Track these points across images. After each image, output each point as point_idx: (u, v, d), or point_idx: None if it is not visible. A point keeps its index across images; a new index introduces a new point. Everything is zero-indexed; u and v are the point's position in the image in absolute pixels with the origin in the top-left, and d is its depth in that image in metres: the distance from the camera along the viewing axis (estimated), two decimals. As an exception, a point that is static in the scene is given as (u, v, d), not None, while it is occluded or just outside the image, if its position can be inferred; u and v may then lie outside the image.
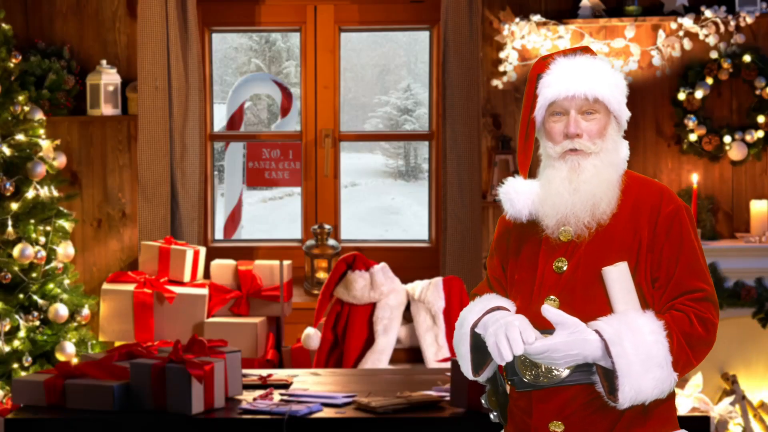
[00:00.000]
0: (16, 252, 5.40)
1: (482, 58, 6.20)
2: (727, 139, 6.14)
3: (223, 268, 5.75)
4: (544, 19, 6.15)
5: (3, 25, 5.61)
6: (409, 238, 11.37)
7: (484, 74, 6.23)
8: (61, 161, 5.76)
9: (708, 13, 6.05)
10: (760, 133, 6.15)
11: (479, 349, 2.78)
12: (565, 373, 2.67)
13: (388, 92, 12.77)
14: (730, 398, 5.80)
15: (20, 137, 5.55)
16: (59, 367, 4.07)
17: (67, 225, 5.69)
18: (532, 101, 2.81)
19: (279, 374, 4.50)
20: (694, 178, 6.01)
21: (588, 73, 2.77)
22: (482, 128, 6.23)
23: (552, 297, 2.73)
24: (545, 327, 2.67)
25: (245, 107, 8.75)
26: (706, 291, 2.72)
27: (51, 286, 5.56)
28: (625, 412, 2.66)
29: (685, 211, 2.77)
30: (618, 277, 2.68)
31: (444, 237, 6.11)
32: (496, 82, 6.21)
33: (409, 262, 6.32)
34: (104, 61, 6.24)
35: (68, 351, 5.47)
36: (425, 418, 3.86)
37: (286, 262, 5.74)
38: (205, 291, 5.70)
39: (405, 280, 5.37)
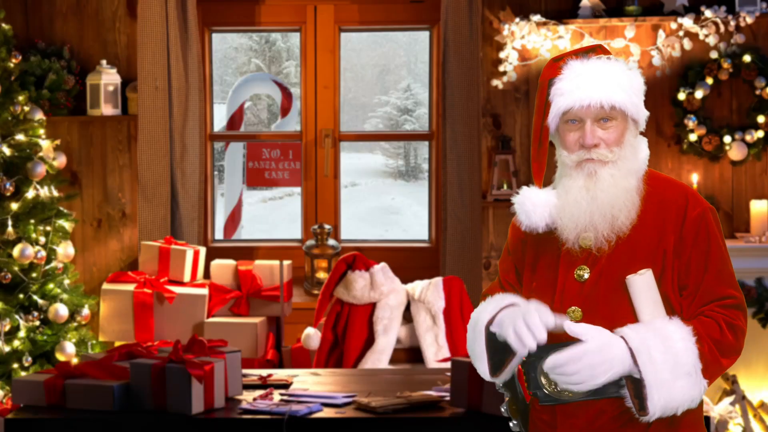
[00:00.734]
0: (16, 252, 5.40)
1: (482, 58, 6.20)
2: (727, 139, 6.14)
3: (223, 268, 5.75)
4: (544, 19, 6.15)
5: (3, 25, 5.61)
6: (409, 238, 11.37)
7: (484, 74, 6.23)
8: (61, 161, 5.76)
9: (708, 13, 6.05)
10: (760, 133, 6.15)
11: (496, 349, 2.68)
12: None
13: (388, 92, 12.77)
14: (730, 398, 5.80)
15: (20, 137, 5.55)
16: (59, 367, 4.06)
17: (67, 225, 5.69)
18: (544, 108, 2.71)
19: (279, 374, 4.50)
20: (694, 178, 6.01)
21: (603, 79, 2.67)
22: (482, 128, 6.23)
23: (574, 307, 2.64)
24: (567, 338, 2.56)
25: (245, 107, 8.75)
26: (736, 298, 2.65)
27: (51, 286, 5.56)
28: (652, 424, 2.57)
29: (711, 213, 2.68)
30: (643, 286, 2.59)
31: (444, 237, 6.11)
32: (496, 82, 6.21)
33: (409, 262, 6.32)
34: (104, 61, 6.24)
35: (68, 351, 5.47)
36: (425, 418, 3.86)
37: (286, 262, 5.74)
38: (205, 291, 5.70)
39: (405, 280, 5.37)
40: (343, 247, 6.36)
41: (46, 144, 5.62)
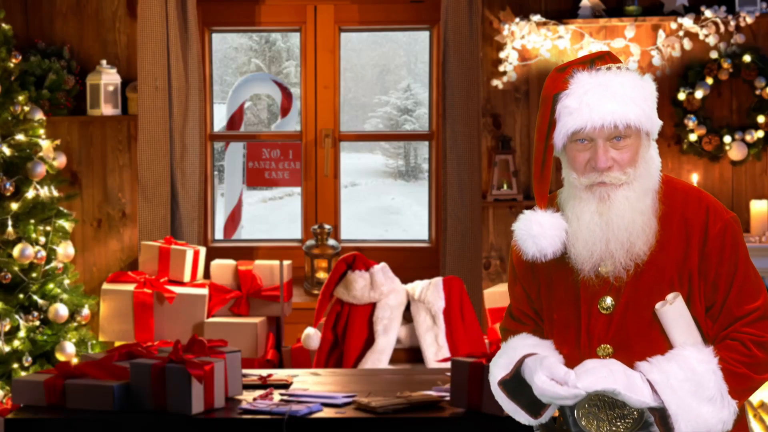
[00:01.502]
0: (16, 252, 5.40)
1: (482, 58, 6.20)
2: (727, 139, 6.14)
3: (223, 268, 5.75)
4: (544, 19, 6.15)
5: (3, 25, 5.61)
6: (409, 238, 11.37)
7: (484, 74, 6.23)
8: (61, 161, 5.76)
9: (708, 13, 6.05)
10: (760, 133, 6.15)
11: (527, 392, 2.51)
12: (632, 422, 2.44)
13: (388, 92, 12.77)
14: (730, 398, 5.80)
15: (20, 137, 5.55)
16: (59, 367, 4.06)
17: (67, 225, 5.69)
18: (549, 126, 2.48)
19: (279, 374, 4.50)
20: (694, 178, 6.01)
21: (616, 96, 2.44)
22: (482, 128, 6.23)
23: (605, 345, 2.48)
24: None
25: (245, 107, 8.75)
26: (759, 309, 2.48)
27: (51, 286, 5.56)
28: None
29: (734, 224, 2.51)
30: (675, 314, 2.44)
31: (444, 237, 6.11)
32: (496, 82, 6.21)
33: (409, 262, 6.32)
34: (104, 61, 6.24)
35: (68, 351, 5.47)
36: (425, 418, 3.86)
37: (286, 262, 5.74)
38: (205, 291, 5.70)
39: (405, 280, 5.37)
40: (343, 247, 6.36)
41: (46, 144, 5.62)
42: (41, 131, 5.65)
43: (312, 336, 5.18)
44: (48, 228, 5.58)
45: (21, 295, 5.47)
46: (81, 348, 5.55)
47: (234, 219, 9.02)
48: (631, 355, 2.45)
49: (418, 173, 13.12)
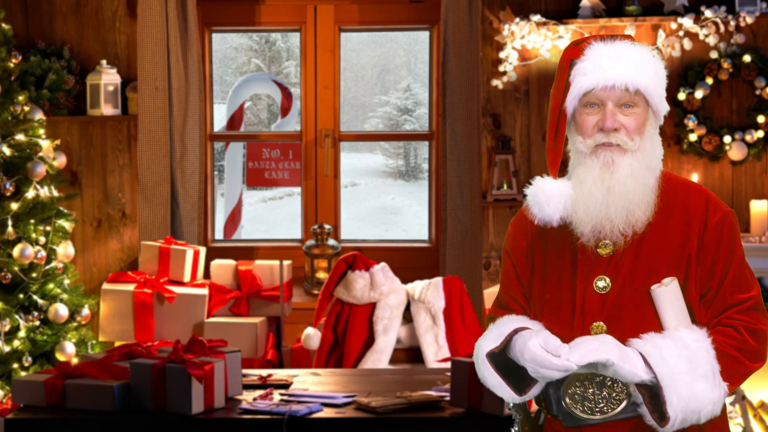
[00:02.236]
0: (16, 252, 5.40)
1: (482, 58, 6.20)
2: (727, 139, 6.14)
3: (223, 268, 5.75)
4: (544, 19, 6.15)
5: (3, 25, 5.61)
6: (409, 238, 11.37)
7: (484, 74, 6.23)
8: (61, 161, 5.76)
9: (708, 13, 6.05)
10: (760, 133, 6.15)
11: (512, 370, 2.53)
12: (622, 406, 2.47)
13: (388, 92, 12.77)
14: (730, 398, 5.80)
15: (20, 137, 5.55)
16: (59, 367, 4.06)
17: (67, 225, 5.69)
18: (564, 90, 2.53)
19: (279, 374, 4.50)
20: (694, 178, 6.01)
21: (629, 61, 2.50)
22: (482, 128, 6.23)
23: (599, 323, 2.50)
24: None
25: (245, 107, 8.75)
26: (752, 298, 2.54)
27: (51, 286, 5.56)
28: None
29: (733, 217, 2.58)
30: (670, 296, 2.47)
31: (444, 237, 6.11)
32: (496, 82, 6.21)
33: (409, 262, 6.32)
34: (104, 61, 6.24)
35: (68, 351, 5.47)
36: (425, 418, 3.86)
37: (286, 262, 5.74)
38: (205, 291, 5.70)
39: (405, 280, 5.37)
40: (343, 247, 6.36)
41: (46, 144, 5.62)
42: (41, 131, 5.65)
43: (312, 336, 5.18)
44: (48, 228, 5.58)
45: (21, 295, 5.47)
46: (81, 348, 5.55)
47: (234, 219, 9.03)
48: (624, 333, 2.47)
49: (418, 173, 13.12)
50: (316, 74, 6.51)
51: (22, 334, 5.43)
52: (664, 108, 2.60)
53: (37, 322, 5.50)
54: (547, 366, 2.40)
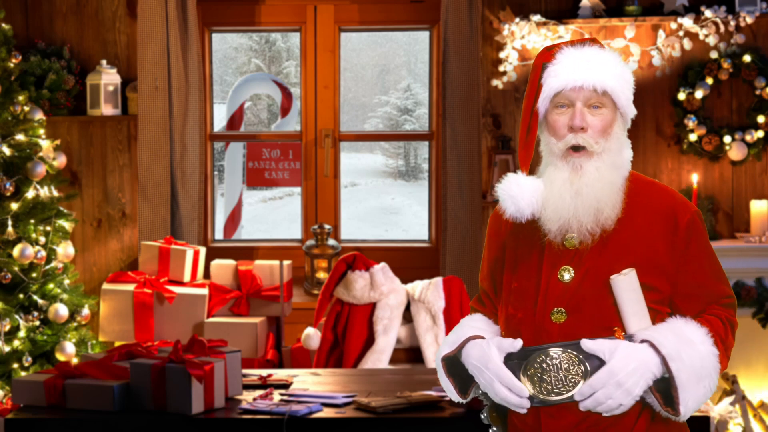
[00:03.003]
0: (16, 252, 5.40)
1: (482, 58, 6.20)
2: (727, 139, 6.14)
3: (223, 268, 5.75)
4: (544, 19, 6.15)
5: (3, 25, 5.61)
6: (409, 238, 11.37)
7: (484, 74, 6.23)
8: (61, 161, 5.75)
9: (708, 13, 6.05)
10: (760, 133, 6.15)
11: (458, 371, 2.72)
12: (576, 389, 2.55)
13: (388, 92, 12.77)
14: (730, 398, 5.80)
15: (20, 137, 5.55)
16: (59, 367, 4.07)
17: (67, 225, 5.69)
18: (536, 91, 2.68)
19: (279, 374, 4.50)
20: (694, 178, 6.01)
21: (596, 64, 2.65)
22: (482, 128, 6.23)
23: (559, 309, 2.60)
24: (550, 340, 2.59)
25: (245, 107, 8.75)
26: (732, 297, 2.68)
27: (51, 286, 5.56)
28: (637, 423, 2.58)
29: (699, 217, 2.68)
30: (627, 286, 2.56)
31: (444, 237, 6.11)
32: (496, 82, 6.21)
33: (409, 262, 6.32)
34: (104, 61, 6.24)
35: (68, 351, 5.47)
36: (425, 418, 3.86)
37: (286, 262, 5.74)
38: (205, 291, 5.70)
39: (405, 280, 5.37)
40: (343, 247, 6.36)
41: (46, 144, 5.62)
42: (41, 131, 5.65)
43: (312, 336, 5.18)
44: (48, 228, 5.58)
45: (21, 295, 5.47)
46: (81, 348, 5.55)
47: (234, 219, 9.03)
48: (582, 321, 2.59)
49: (418, 173, 13.12)
50: (316, 74, 6.51)
51: (22, 334, 5.43)
52: (632, 111, 2.72)
53: (37, 322, 5.50)
54: (506, 384, 2.60)
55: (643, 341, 2.53)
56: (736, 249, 6.02)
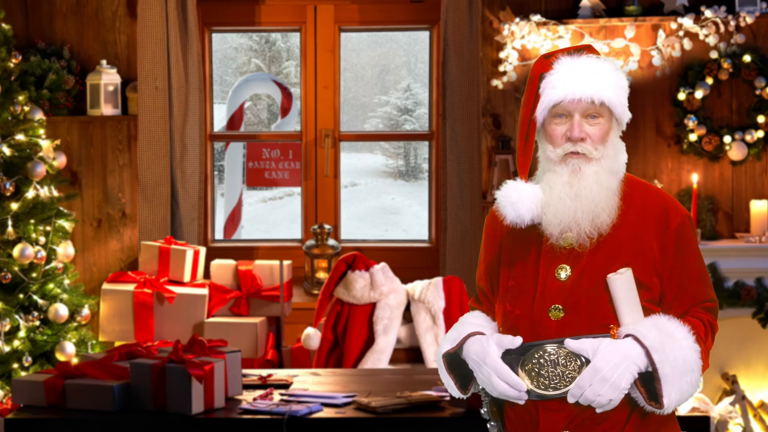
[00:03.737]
0: (16, 252, 5.40)
1: (482, 58, 6.20)
2: (727, 139, 6.14)
3: (223, 268, 5.75)
4: (544, 19, 6.15)
5: (3, 25, 5.61)
6: (409, 238, 11.37)
7: (484, 74, 6.23)
8: (61, 161, 5.75)
9: (708, 13, 6.05)
10: (760, 133, 6.15)
11: (458, 367, 2.77)
12: (576, 380, 2.61)
13: (388, 92, 12.77)
14: (730, 398, 5.80)
15: (20, 137, 5.55)
16: (59, 367, 4.07)
17: (67, 225, 5.69)
18: (534, 101, 2.74)
19: (279, 374, 4.50)
20: (694, 178, 6.01)
21: (594, 76, 2.71)
22: (482, 128, 6.23)
23: (557, 305, 2.66)
24: (548, 336, 2.65)
25: (245, 107, 8.75)
26: (714, 301, 2.74)
27: (51, 286, 5.56)
28: (630, 418, 2.63)
29: (689, 220, 2.75)
30: (624, 285, 2.63)
31: (444, 237, 6.11)
32: (496, 82, 6.21)
33: (409, 262, 6.32)
34: (104, 61, 6.24)
35: (68, 351, 5.47)
36: (425, 418, 3.86)
37: (286, 262, 5.74)
38: (205, 291, 5.70)
39: (405, 280, 5.37)
40: (343, 247, 6.36)
41: (46, 144, 5.62)
42: (41, 131, 5.65)
43: (312, 336, 5.18)
44: (48, 228, 5.58)
45: (21, 295, 5.47)
46: (81, 348, 5.55)
47: (234, 219, 9.02)
48: (580, 318, 2.65)
49: (418, 173, 13.12)
50: (316, 74, 6.51)
51: (22, 334, 5.43)
52: (627, 116, 2.77)
53: (37, 322, 5.50)
54: (504, 378, 2.65)
55: (626, 336, 2.59)
56: (736, 249, 6.02)
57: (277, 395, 4.12)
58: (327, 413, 3.90)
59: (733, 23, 6.06)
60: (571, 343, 2.60)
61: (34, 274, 5.52)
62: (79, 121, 6.31)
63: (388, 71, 12.88)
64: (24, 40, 6.29)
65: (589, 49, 2.78)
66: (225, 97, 10.29)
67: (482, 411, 2.84)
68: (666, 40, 6.11)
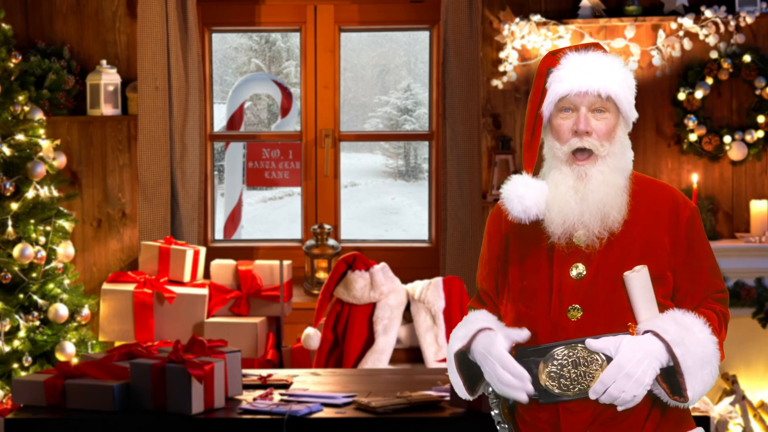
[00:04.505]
0: (16, 252, 5.40)
1: (482, 58, 6.20)
2: (727, 139, 6.14)
3: (223, 268, 5.75)
4: (544, 19, 6.15)
5: (3, 25, 5.61)
6: (409, 238, 11.37)
7: (484, 74, 6.23)
8: (61, 161, 5.75)
9: (708, 13, 6.05)
10: (760, 133, 6.15)
11: (468, 368, 2.75)
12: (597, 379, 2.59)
13: (388, 92, 12.77)
14: (730, 398, 5.80)
15: (20, 137, 5.55)
16: (59, 367, 4.07)
17: (67, 225, 5.69)
18: (541, 96, 2.72)
19: (279, 374, 4.50)
20: (694, 178, 6.01)
21: (601, 70, 2.70)
22: (482, 128, 6.23)
23: (575, 306, 2.64)
24: (567, 337, 2.63)
25: (245, 107, 8.75)
26: (725, 292, 2.75)
27: (51, 286, 5.56)
28: (650, 414, 2.63)
29: (697, 213, 2.75)
30: (641, 283, 2.62)
31: (444, 237, 6.11)
32: (496, 82, 6.21)
33: (409, 262, 6.32)
34: (104, 61, 6.24)
35: (68, 351, 5.47)
36: (425, 418, 3.86)
37: (286, 262, 5.74)
38: (205, 291, 5.70)
39: (405, 280, 5.37)
40: (343, 247, 6.36)
41: (46, 144, 5.62)
42: (41, 131, 5.65)
43: (312, 336, 5.18)
44: (48, 228, 5.58)
45: (21, 295, 5.47)
46: (81, 348, 5.55)
47: (234, 219, 9.03)
48: (598, 317, 2.63)
49: (418, 173, 13.12)
50: (316, 74, 6.51)
51: (22, 334, 5.43)
52: (633, 115, 2.78)
53: (37, 322, 5.50)
54: (509, 370, 2.63)
55: (646, 332, 2.58)
56: (736, 249, 6.02)
57: (277, 395, 4.12)
58: (327, 413, 3.90)
59: (733, 23, 6.06)
60: (592, 343, 2.58)
61: (34, 274, 5.52)
62: (79, 121, 6.31)
63: (388, 71, 12.88)
64: (24, 40, 6.29)
65: (596, 47, 2.77)
66: (225, 97, 10.29)
67: (493, 413, 2.81)
68: (666, 40, 6.11)
